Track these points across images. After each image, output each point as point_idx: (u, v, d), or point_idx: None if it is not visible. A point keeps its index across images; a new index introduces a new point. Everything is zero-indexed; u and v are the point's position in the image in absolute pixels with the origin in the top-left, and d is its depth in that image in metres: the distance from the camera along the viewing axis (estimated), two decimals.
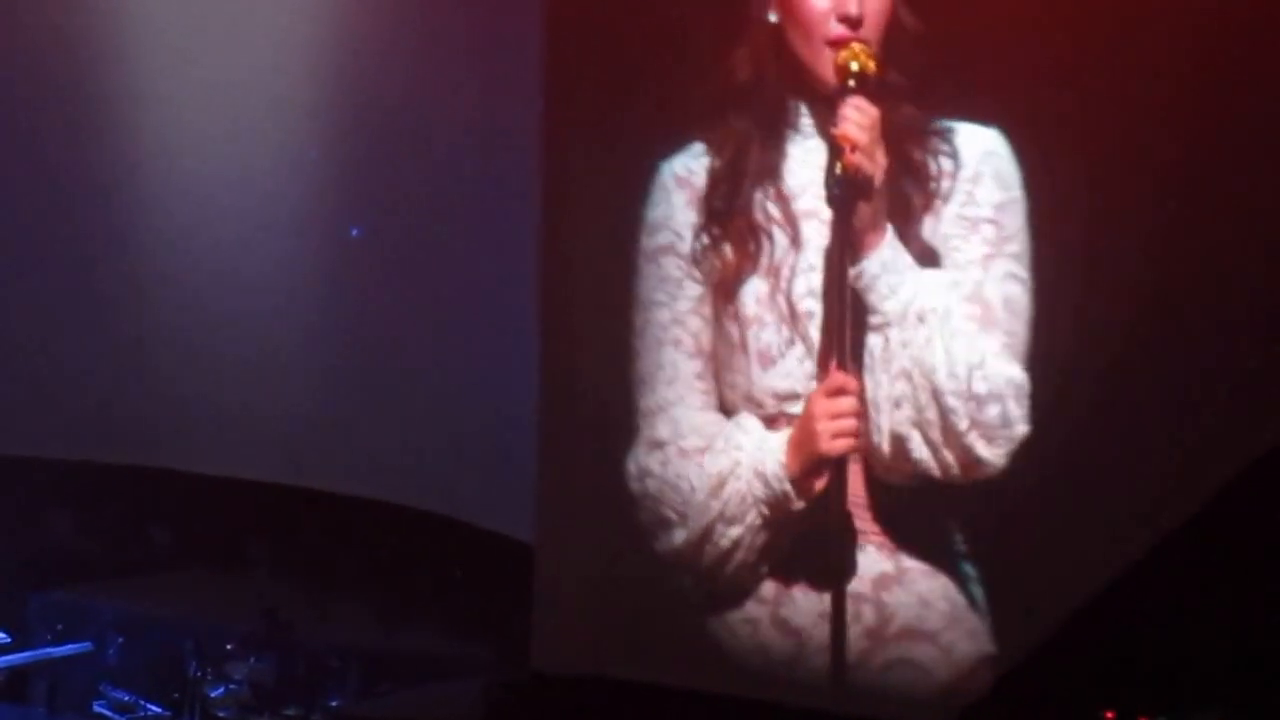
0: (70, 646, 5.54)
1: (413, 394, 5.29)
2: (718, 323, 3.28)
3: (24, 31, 5.59)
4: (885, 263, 3.18)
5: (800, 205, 3.25)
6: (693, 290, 3.34)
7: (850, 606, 3.22)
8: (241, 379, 5.48)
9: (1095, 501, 4.46)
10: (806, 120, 3.29)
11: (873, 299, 3.18)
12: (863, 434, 3.15)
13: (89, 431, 5.65)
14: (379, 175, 5.34)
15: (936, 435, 3.15)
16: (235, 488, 5.59)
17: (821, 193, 3.25)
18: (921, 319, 3.16)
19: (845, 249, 3.16)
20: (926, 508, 3.22)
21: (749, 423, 3.25)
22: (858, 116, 3.18)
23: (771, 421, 3.24)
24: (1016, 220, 3.27)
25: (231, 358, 5.49)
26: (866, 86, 3.21)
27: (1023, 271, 3.26)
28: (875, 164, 3.18)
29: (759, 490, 3.22)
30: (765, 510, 3.22)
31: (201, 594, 5.71)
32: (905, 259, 3.20)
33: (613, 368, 4.41)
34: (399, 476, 5.34)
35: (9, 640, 5.54)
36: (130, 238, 5.56)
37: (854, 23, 3.26)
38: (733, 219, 3.29)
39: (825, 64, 3.29)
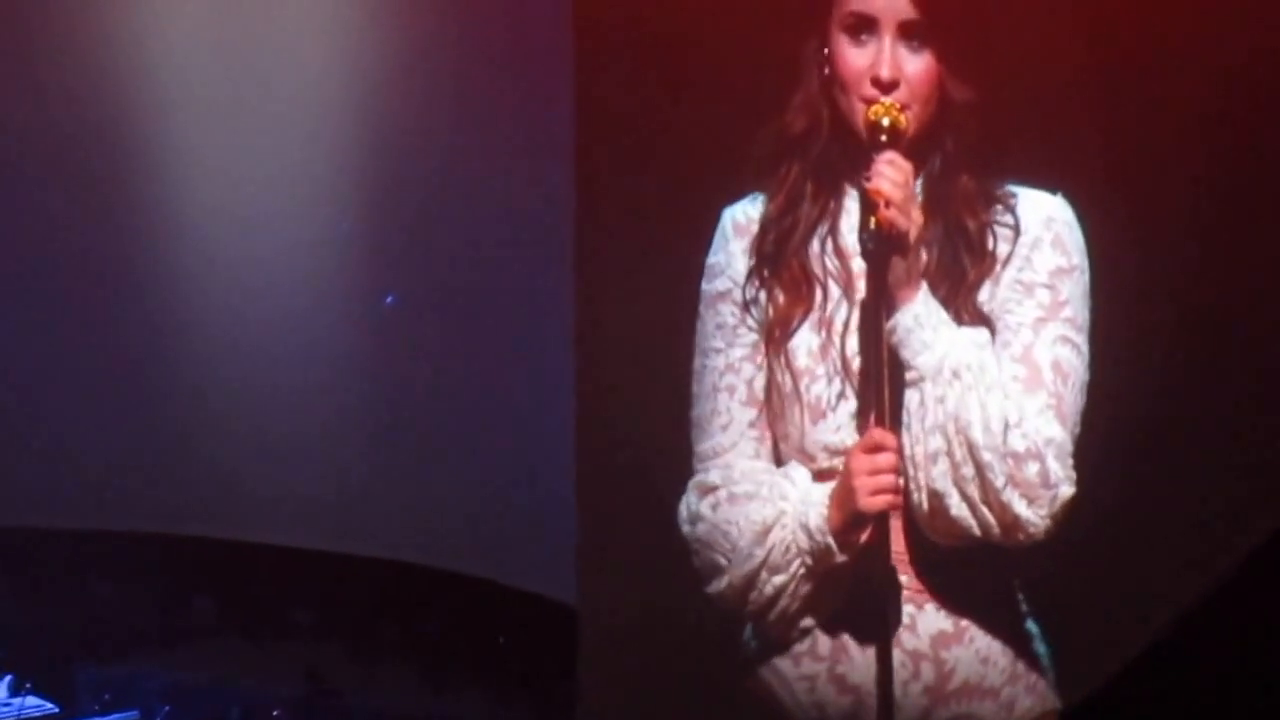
0: (117, 716, 5.54)
1: (452, 458, 5.29)
2: (771, 373, 3.28)
3: (57, 104, 5.62)
4: (918, 317, 3.16)
5: (858, 264, 3.24)
6: (748, 338, 3.33)
7: (910, 664, 3.20)
8: (283, 448, 5.49)
9: (1153, 558, 4.46)
10: (857, 176, 3.28)
11: (906, 354, 3.16)
12: (904, 492, 3.14)
13: (132, 503, 5.67)
14: (413, 242, 5.36)
15: (974, 492, 3.13)
16: (278, 555, 5.60)
17: None
18: (956, 374, 3.14)
19: (881, 304, 3.15)
20: (984, 566, 3.20)
21: (797, 473, 3.24)
22: (890, 172, 3.16)
23: (821, 476, 3.23)
24: (1074, 288, 3.25)
25: (272, 427, 5.51)
26: (898, 142, 3.19)
27: (1077, 337, 3.23)
28: (909, 220, 3.16)
29: (803, 541, 3.20)
30: (809, 561, 3.20)
31: (246, 661, 5.72)
32: (939, 314, 3.18)
33: (651, 428, 4.41)
34: (441, 541, 5.34)
35: (57, 711, 5.55)
36: (166, 311, 5.58)
37: (885, 86, 3.24)
38: (784, 266, 3.28)
39: (861, 120, 3.28)
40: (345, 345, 5.43)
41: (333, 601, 5.67)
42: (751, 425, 3.25)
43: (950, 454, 3.08)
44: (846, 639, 3.19)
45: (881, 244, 3.08)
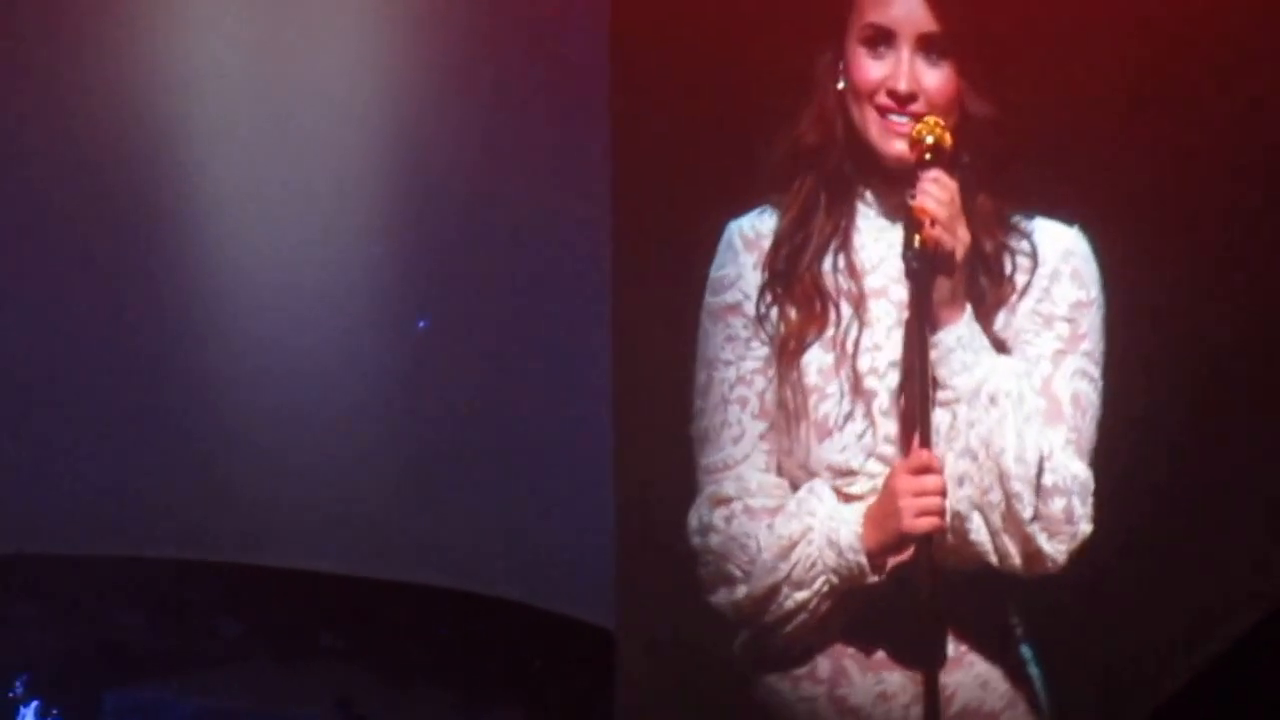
0: None
1: (487, 482, 5.26)
2: (780, 388, 3.23)
3: (85, 128, 5.60)
4: (961, 338, 3.13)
5: (871, 282, 3.20)
6: (759, 350, 3.29)
7: (910, 687, 3.17)
8: (314, 472, 5.46)
9: (1157, 595, 4.43)
10: (872, 193, 3.24)
11: (944, 373, 3.13)
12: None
13: (158, 528, 5.64)
14: (447, 266, 5.33)
15: (997, 520, 3.10)
16: (308, 579, 5.56)
17: (893, 272, 3.19)
18: (994, 400, 3.11)
19: (924, 323, 3.11)
20: (984, 590, 3.17)
21: (823, 490, 3.20)
22: (936, 190, 3.13)
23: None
24: (1092, 321, 3.23)
25: (303, 451, 5.47)
26: (943, 159, 3.16)
27: (1093, 369, 3.21)
28: (956, 239, 3.12)
29: (830, 559, 3.16)
30: (835, 579, 3.16)
31: (276, 687, 5.68)
32: (981, 338, 3.15)
33: (690, 450, 4.38)
34: (475, 565, 5.31)
35: None
36: (196, 335, 5.55)
37: (901, 99, 3.21)
38: (796, 281, 3.25)
39: (878, 134, 3.24)
40: (377, 369, 5.39)
41: (363, 626, 5.63)
42: (762, 438, 3.21)
43: (978, 479, 3.04)
44: (847, 663, 3.16)
45: (926, 263, 3.05)
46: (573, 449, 5.03)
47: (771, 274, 3.23)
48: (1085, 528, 3.10)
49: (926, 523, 3.04)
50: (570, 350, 5.04)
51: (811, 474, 3.15)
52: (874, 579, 3.11)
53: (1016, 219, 3.21)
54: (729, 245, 3.30)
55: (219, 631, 5.83)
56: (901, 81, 3.14)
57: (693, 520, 3.26)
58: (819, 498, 3.14)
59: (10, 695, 5.61)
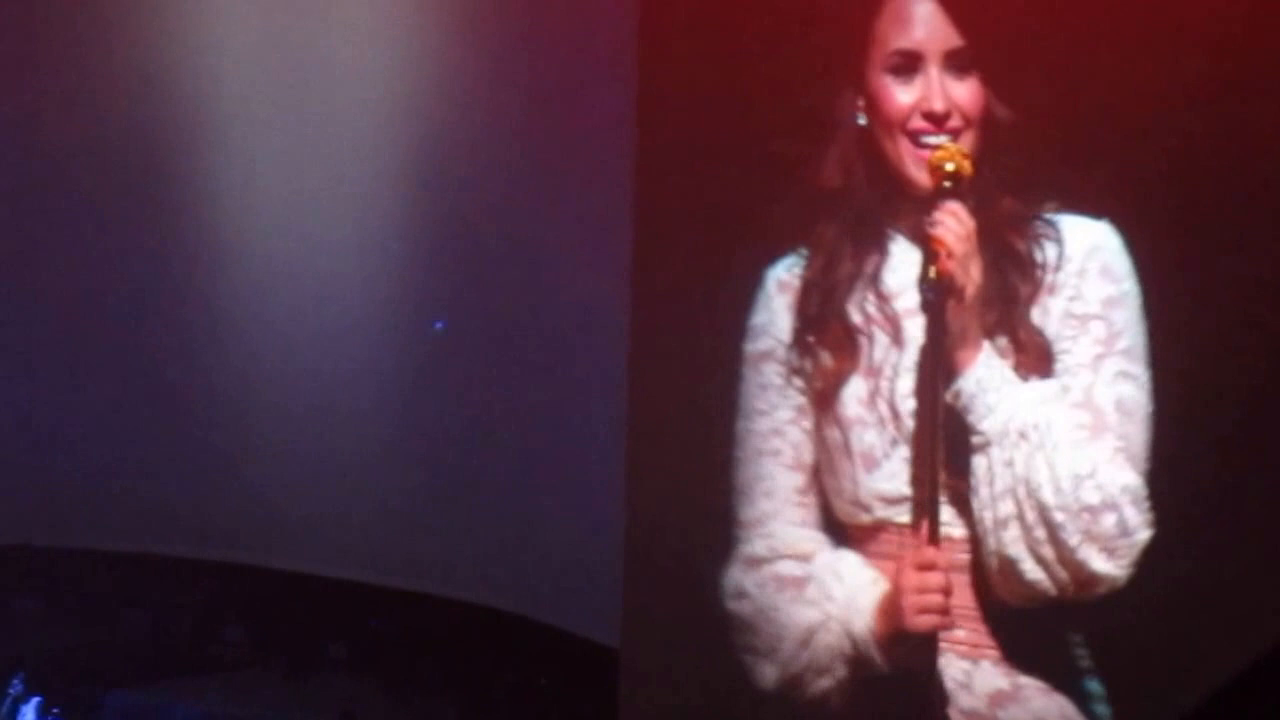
0: None
1: (498, 493, 5.23)
2: (819, 430, 3.19)
3: (112, 125, 5.60)
4: (980, 380, 3.09)
5: (900, 304, 3.16)
6: (793, 399, 3.26)
7: None
8: (325, 476, 5.44)
9: (1224, 604, 4.31)
10: (900, 222, 3.20)
11: (971, 419, 3.09)
12: (975, 555, 3.05)
13: (170, 526, 5.62)
14: (464, 270, 5.30)
15: (1049, 553, 3.05)
16: (314, 585, 5.53)
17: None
18: (1023, 435, 3.07)
19: (938, 356, 3.06)
20: (1045, 623, 3.10)
21: (845, 563, 3.15)
22: (953, 224, 3.09)
23: (877, 528, 3.13)
24: (1127, 315, 3.17)
25: (315, 455, 5.46)
26: (962, 189, 3.12)
27: (1135, 368, 3.15)
28: (968, 275, 3.09)
29: (847, 648, 3.15)
30: (853, 667, 3.14)
31: (279, 695, 5.64)
32: (1001, 374, 3.10)
33: (701, 473, 4.32)
34: (482, 576, 5.27)
35: None
36: (211, 336, 5.54)
37: (938, 119, 3.19)
38: (829, 324, 3.21)
39: (913, 164, 3.20)
40: (391, 373, 5.37)
41: (368, 634, 5.59)
42: (796, 491, 3.19)
43: (1021, 518, 3.02)
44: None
45: (940, 294, 3.02)
46: (585, 466, 4.99)
47: (803, 319, 3.22)
48: (1143, 534, 3.06)
49: (927, 620, 3.02)
50: (585, 367, 5.01)
51: (863, 508, 3.13)
52: (885, 669, 3.09)
53: (1043, 217, 3.18)
54: (764, 292, 3.31)
55: (224, 636, 5.80)
56: (936, 101, 3.13)
57: (728, 584, 3.25)
58: (839, 577, 3.12)
59: (10, 691, 5.58)
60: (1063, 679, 3.14)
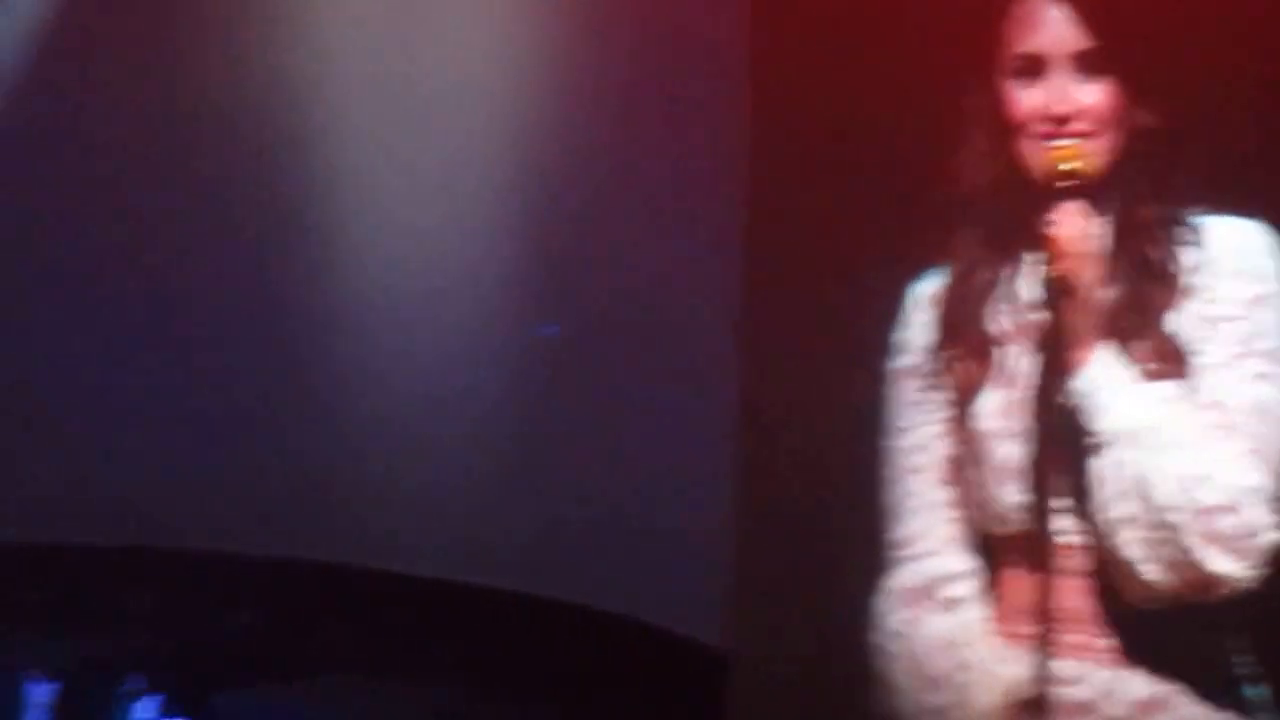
0: None
1: (604, 493, 5.23)
2: (959, 444, 3.16)
3: (210, 129, 5.63)
4: (1094, 379, 3.07)
5: (1035, 312, 3.14)
6: (935, 414, 3.23)
7: None
8: (429, 478, 5.45)
9: None
10: (1031, 227, 3.18)
11: (1086, 419, 3.06)
12: (1095, 559, 3.03)
13: (277, 527, 5.64)
14: (573, 274, 5.31)
15: (1166, 554, 3.02)
16: (419, 586, 5.54)
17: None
18: (1136, 436, 3.03)
19: (1056, 360, 3.04)
20: (1188, 628, 3.06)
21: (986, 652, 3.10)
22: (1072, 224, 3.07)
23: (1014, 540, 3.10)
24: (1272, 315, 3.12)
25: (419, 456, 5.47)
26: (1084, 189, 3.10)
27: (1275, 369, 3.11)
28: (1085, 275, 3.06)
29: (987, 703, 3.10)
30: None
31: (378, 697, 5.66)
32: (1117, 373, 3.08)
33: (817, 465, 4.33)
34: (585, 578, 5.27)
35: None
36: (323, 338, 5.57)
37: (1063, 122, 3.16)
38: (967, 336, 3.19)
39: (1038, 167, 3.19)
40: (501, 378, 5.38)
41: (470, 638, 5.60)
42: (943, 506, 3.16)
43: (1137, 519, 2.98)
44: None
45: (1055, 295, 3.00)
46: (695, 460, 4.99)
47: (941, 331, 3.19)
48: (1272, 535, 3.01)
49: (1048, 629, 2.97)
50: (695, 367, 5.01)
51: (1004, 519, 3.10)
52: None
53: (1185, 221, 3.14)
54: (906, 306, 3.28)
55: (326, 637, 5.82)
56: (1060, 104, 3.10)
57: (879, 612, 3.20)
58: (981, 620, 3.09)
59: (121, 690, 5.62)
60: (1214, 686, 3.09)
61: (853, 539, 3.35)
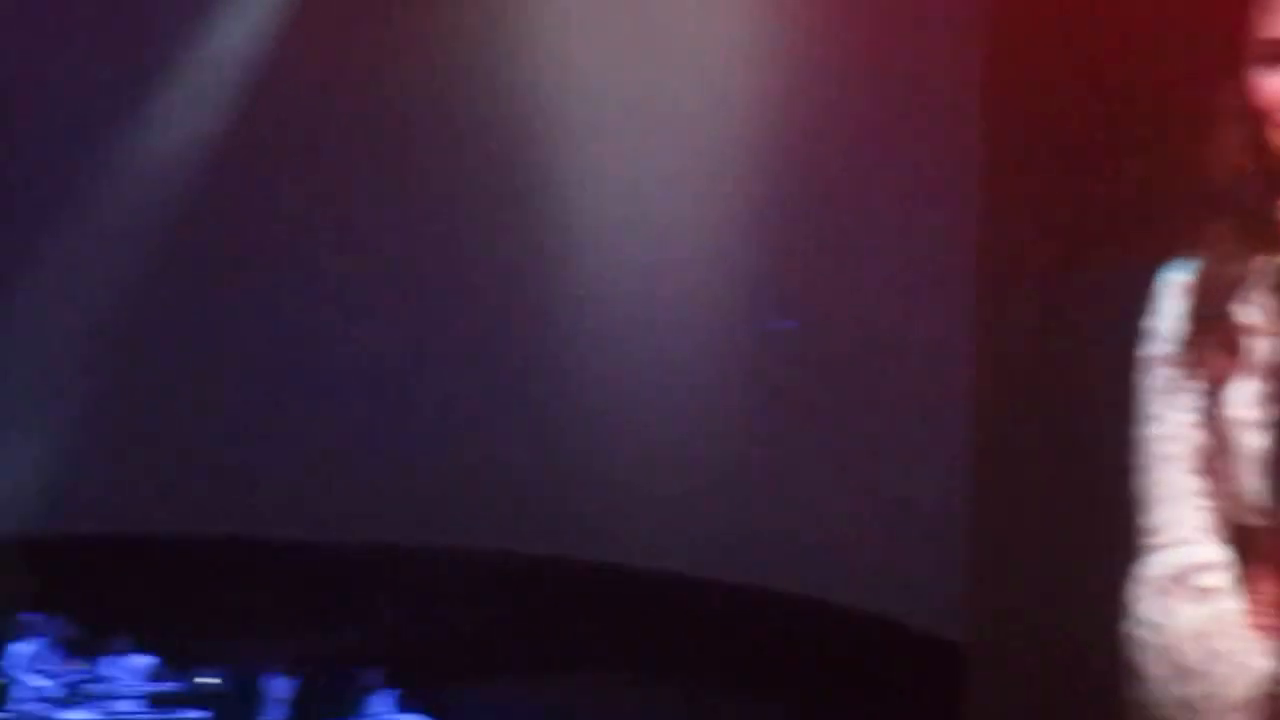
0: None
1: (840, 489, 5.22)
2: (1210, 434, 3.10)
3: (453, 123, 5.71)
4: None
5: None
6: (1186, 402, 3.16)
7: None
8: (674, 473, 5.48)
9: None
10: None
11: None
12: None
13: (525, 523, 5.71)
14: (809, 266, 5.30)
15: None
16: (656, 582, 5.57)
17: None
18: None
19: None
20: None
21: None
22: None
23: (1269, 535, 3.03)
24: None
25: (665, 453, 5.50)
26: None
27: None
28: None
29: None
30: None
31: (625, 692, 5.69)
32: None
33: (1056, 454, 4.26)
34: (826, 573, 5.26)
35: None
36: (563, 332, 5.62)
37: None
38: (1218, 325, 3.12)
39: None
40: (739, 369, 5.39)
41: (716, 633, 5.61)
42: (1195, 495, 3.11)
43: None
44: None
45: None
46: (930, 458, 4.95)
47: (1193, 321, 3.14)
48: None
49: None
50: (932, 358, 4.97)
51: (1257, 513, 3.04)
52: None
53: None
54: (1157, 294, 3.23)
55: (573, 634, 5.86)
56: None
57: (1136, 607, 3.14)
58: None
59: (362, 684, 5.72)
60: None
61: (1098, 529, 3.30)
